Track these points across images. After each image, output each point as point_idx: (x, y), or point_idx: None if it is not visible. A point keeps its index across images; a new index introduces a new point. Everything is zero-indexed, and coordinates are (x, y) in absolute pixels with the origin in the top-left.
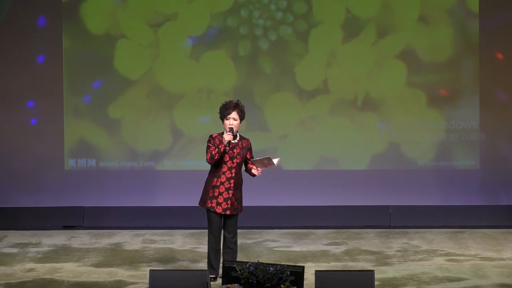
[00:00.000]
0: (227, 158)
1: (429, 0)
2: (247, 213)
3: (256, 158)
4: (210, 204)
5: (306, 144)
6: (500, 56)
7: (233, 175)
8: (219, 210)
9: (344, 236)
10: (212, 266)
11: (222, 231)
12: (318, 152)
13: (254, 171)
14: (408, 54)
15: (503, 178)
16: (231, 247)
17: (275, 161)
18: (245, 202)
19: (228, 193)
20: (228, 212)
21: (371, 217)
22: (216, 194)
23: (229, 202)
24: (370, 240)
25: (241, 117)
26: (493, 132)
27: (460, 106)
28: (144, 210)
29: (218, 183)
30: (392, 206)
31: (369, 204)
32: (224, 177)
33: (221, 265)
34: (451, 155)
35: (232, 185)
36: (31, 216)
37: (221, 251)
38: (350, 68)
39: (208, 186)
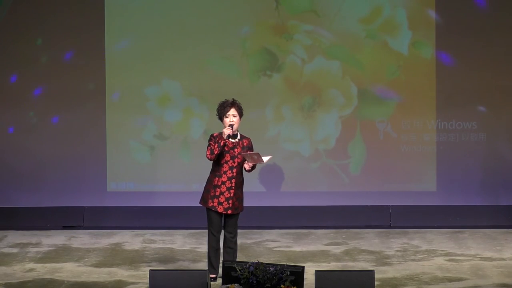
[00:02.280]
0: (228, 157)
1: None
2: (247, 213)
3: (247, 152)
4: (211, 204)
5: (306, 142)
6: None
7: (234, 174)
8: (220, 209)
9: (344, 236)
10: (212, 265)
11: (222, 230)
12: (318, 151)
13: (245, 165)
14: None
15: (503, 178)
16: (231, 246)
17: (265, 158)
18: (246, 202)
19: (230, 192)
20: (229, 212)
21: (371, 217)
22: (217, 193)
23: (230, 201)
24: (370, 240)
25: (240, 113)
26: (493, 132)
27: (460, 106)
28: (144, 210)
29: (219, 183)
30: (392, 206)
31: (369, 204)
32: (226, 177)
33: (221, 265)
34: (451, 155)
35: (233, 184)
36: (31, 216)
37: (221, 250)
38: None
39: (209, 185)
